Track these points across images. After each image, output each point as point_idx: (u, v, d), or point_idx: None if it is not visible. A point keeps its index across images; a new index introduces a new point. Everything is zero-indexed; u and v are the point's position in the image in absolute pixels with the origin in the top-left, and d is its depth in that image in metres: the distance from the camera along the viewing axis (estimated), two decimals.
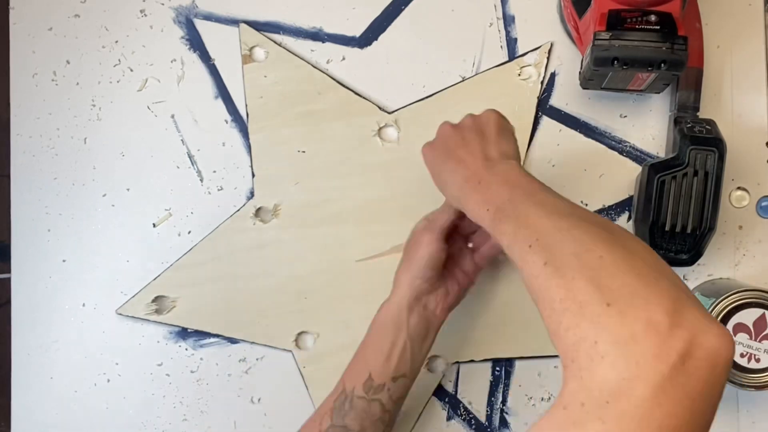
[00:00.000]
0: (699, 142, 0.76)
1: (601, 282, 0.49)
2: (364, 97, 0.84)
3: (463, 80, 0.84)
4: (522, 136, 0.83)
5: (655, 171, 0.76)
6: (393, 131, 0.84)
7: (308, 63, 0.85)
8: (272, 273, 0.84)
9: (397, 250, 0.84)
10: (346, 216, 0.84)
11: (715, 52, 0.83)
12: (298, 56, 0.85)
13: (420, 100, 0.84)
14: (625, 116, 0.84)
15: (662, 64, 0.70)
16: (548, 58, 0.84)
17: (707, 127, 0.78)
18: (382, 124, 0.84)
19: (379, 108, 0.84)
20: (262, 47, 0.85)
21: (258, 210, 0.85)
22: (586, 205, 0.84)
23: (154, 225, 0.86)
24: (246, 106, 0.85)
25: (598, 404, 0.45)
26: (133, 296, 0.85)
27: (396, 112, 0.84)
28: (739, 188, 0.83)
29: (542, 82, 0.84)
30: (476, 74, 0.84)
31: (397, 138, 0.84)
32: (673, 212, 0.76)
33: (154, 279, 0.85)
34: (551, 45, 0.84)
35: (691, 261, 0.77)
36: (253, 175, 0.85)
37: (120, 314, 0.85)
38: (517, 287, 0.83)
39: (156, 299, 0.85)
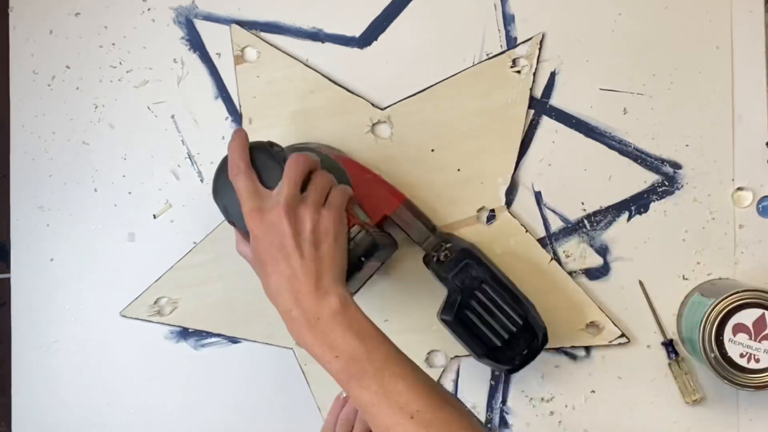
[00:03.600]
0: (452, 267, 0.77)
1: None
2: (356, 94, 0.84)
3: (455, 74, 0.84)
4: (515, 129, 0.83)
5: (449, 315, 0.77)
6: (386, 127, 0.84)
7: (300, 62, 0.85)
8: None
9: None
10: None
11: (715, 52, 0.83)
12: (290, 55, 0.85)
13: (412, 95, 0.84)
14: (626, 116, 0.84)
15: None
16: (540, 49, 0.84)
17: (447, 245, 0.79)
18: (374, 120, 0.84)
19: (372, 104, 0.84)
20: (254, 47, 0.85)
21: None
22: (583, 205, 0.84)
23: (154, 216, 0.86)
24: (239, 106, 0.85)
25: None
26: (136, 299, 0.85)
27: (388, 108, 0.84)
28: (740, 188, 0.83)
29: (534, 74, 0.84)
30: (468, 68, 0.84)
31: (390, 134, 0.84)
32: (492, 330, 0.77)
33: (156, 281, 0.85)
34: (542, 36, 0.84)
35: (541, 344, 0.78)
36: None
37: (123, 316, 0.85)
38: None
39: (158, 300, 0.85)
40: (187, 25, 0.86)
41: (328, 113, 0.84)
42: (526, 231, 0.83)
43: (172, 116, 0.86)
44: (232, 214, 0.71)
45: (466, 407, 0.68)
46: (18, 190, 0.86)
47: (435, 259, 0.79)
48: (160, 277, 0.85)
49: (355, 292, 0.77)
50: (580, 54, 0.84)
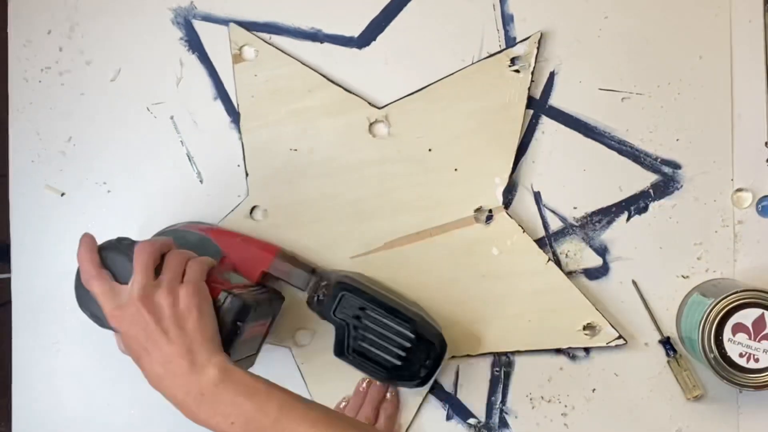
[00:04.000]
0: (331, 303, 0.78)
1: None
2: (353, 93, 0.84)
3: (453, 73, 0.84)
4: (512, 129, 0.83)
5: (342, 352, 0.78)
6: (383, 127, 0.84)
7: (298, 61, 0.85)
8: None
9: (390, 246, 0.84)
10: (340, 213, 0.84)
11: (715, 51, 0.83)
12: (288, 54, 0.85)
13: (409, 94, 0.84)
14: (625, 116, 0.83)
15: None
16: (538, 48, 0.83)
17: (323, 283, 0.79)
18: (372, 119, 0.84)
19: (369, 103, 0.84)
20: (251, 46, 0.85)
21: (252, 209, 0.85)
22: (582, 205, 0.84)
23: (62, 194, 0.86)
24: (237, 105, 0.85)
25: None
26: None
27: (386, 108, 0.84)
28: (740, 189, 0.83)
29: (533, 73, 0.83)
30: (465, 67, 0.84)
31: (387, 133, 0.84)
32: (388, 351, 0.77)
33: None
34: (541, 35, 0.83)
35: (440, 349, 0.78)
36: (247, 175, 0.85)
37: None
38: (513, 282, 0.83)
39: None
40: (186, 25, 0.86)
41: (325, 112, 0.84)
42: (524, 231, 0.83)
43: (171, 117, 0.86)
44: (102, 319, 0.71)
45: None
46: (18, 190, 0.87)
47: (315, 300, 0.79)
48: None
49: (256, 354, 0.78)
50: (580, 54, 0.84)
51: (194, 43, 0.86)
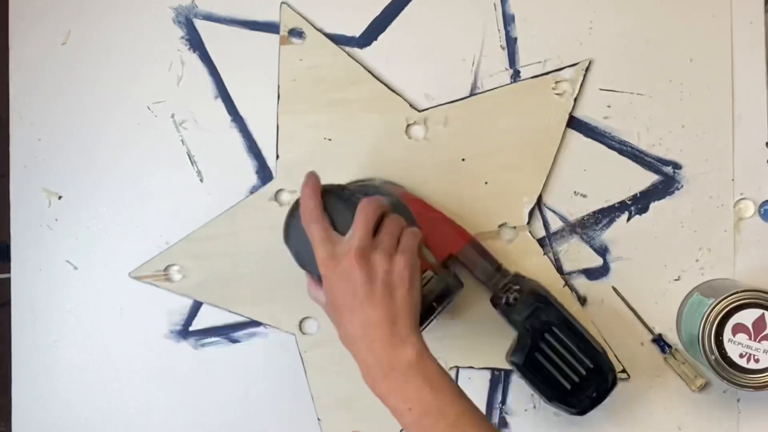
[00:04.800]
0: (522, 310, 0.77)
1: None
2: (396, 93, 0.84)
3: (498, 87, 0.84)
4: (548, 151, 0.83)
5: (520, 359, 0.77)
6: (420, 129, 0.84)
7: (345, 52, 0.84)
8: (284, 255, 0.83)
9: None
10: None
11: (715, 51, 0.83)
12: (337, 44, 0.85)
13: (451, 102, 0.84)
14: (626, 116, 0.84)
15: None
16: (585, 76, 0.83)
17: (516, 287, 0.78)
18: (410, 121, 0.84)
19: (410, 105, 0.84)
20: (300, 29, 0.85)
21: (278, 192, 0.85)
22: (583, 205, 0.84)
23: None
24: (278, 87, 0.85)
25: None
26: (146, 262, 0.85)
27: (426, 111, 0.84)
28: (742, 199, 0.83)
29: (575, 99, 0.83)
30: (513, 83, 0.84)
31: (423, 137, 0.84)
32: (563, 373, 0.77)
33: (169, 247, 0.85)
34: (589, 62, 0.83)
35: (611, 386, 0.77)
36: (277, 157, 0.85)
37: (132, 277, 0.85)
38: None
39: (168, 268, 0.85)
40: (187, 24, 0.86)
41: (365, 107, 0.84)
42: (544, 254, 0.83)
43: (172, 116, 0.86)
44: (305, 259, 0.71)
45: None
46: (18, 189, 0.86)
47: (504, 301, 0.78)
48: (174, 244, 0.85)
49: None
50: (580, 54, 0.84)
51: (195, 42, 0.86)
